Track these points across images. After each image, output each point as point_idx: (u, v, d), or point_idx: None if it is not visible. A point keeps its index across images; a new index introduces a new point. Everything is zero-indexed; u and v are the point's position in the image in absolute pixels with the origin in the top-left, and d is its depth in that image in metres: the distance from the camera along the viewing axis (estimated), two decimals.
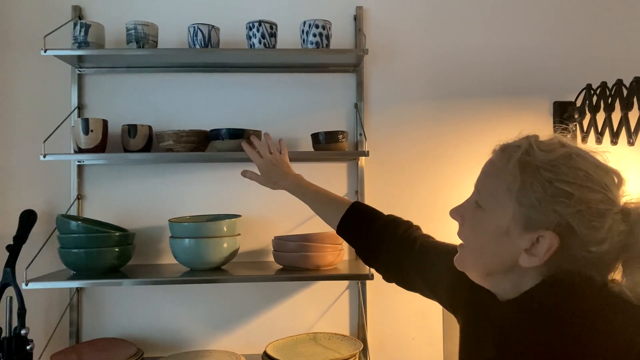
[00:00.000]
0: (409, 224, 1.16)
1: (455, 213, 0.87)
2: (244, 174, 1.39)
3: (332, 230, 1.59)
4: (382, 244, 1.12)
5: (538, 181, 0.75)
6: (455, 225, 1.65)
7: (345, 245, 1.68)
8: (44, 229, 1.64)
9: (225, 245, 1.48)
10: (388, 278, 1.15)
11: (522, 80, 1.75)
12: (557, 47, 1.76)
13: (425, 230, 1.70)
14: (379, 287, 1.69)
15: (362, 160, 1.70)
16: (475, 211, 0.83)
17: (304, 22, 1.54)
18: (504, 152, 0.82)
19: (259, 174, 1.38)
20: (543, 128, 1.69)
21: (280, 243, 1.50)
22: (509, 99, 1.75)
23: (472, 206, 0.84)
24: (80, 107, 1.67)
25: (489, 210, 0.81)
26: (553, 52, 1.76)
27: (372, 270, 1.39)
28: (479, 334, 0.86)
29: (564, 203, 0.73)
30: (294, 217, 1.70)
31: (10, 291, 1.47)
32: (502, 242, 0.78)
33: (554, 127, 1.74)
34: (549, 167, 0.75)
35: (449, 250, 0.96)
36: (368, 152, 1.49)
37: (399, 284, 1.13)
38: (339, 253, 1.49)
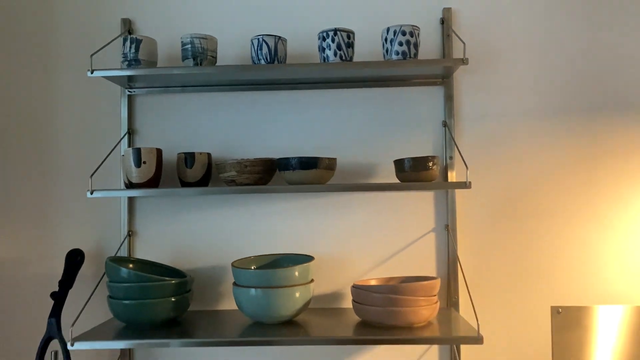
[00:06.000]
0: None
1: None
2: None
3: (422, 275, 1.34)
4: None
5: None
6: (565, 264, 1.33)
7: (440, 295, 1.41)
8: (93, 269, 1.47)
9: (297, 294, 1.25)
10: None
11: None
12: None
13: (528, 274, 1.44)
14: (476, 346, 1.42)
15: (454, 189, 1.43)
16: None
17: (388, 29, 1.29)
18: None
19: None
20: None
21: (362, 294, 1.25)
22: (633, 114, 1.44)
23: None
24: (130, 132, 1.48)
25: None
26: None
27: (464, 314, 1.13)
28: None
29: None
30: (373, 255, 1.45)
31: (55, 343, 1.31)
32: None
33: None
34: None
35: None
36: (470, 183, 1.22)
37: None
38: (435, 306, 1.23)
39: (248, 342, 1.17)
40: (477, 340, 1.12)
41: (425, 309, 1.21)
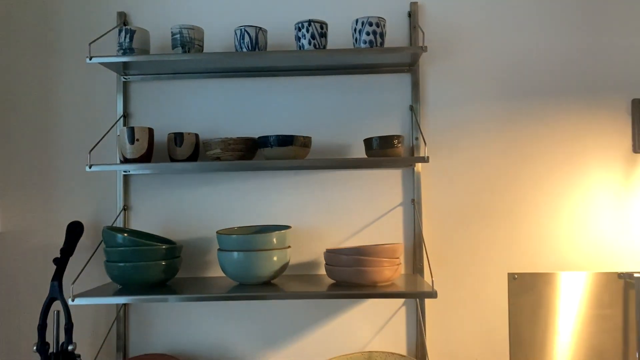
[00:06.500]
0: None
1: None
2: None
3: (389, 243, 1.50)
4: None
5: None
6: (520, 234, 1.50)
7: (403, 259, 1.57)
8: (91, 240, 1.61)
9: (275, 258, 1.40)
10: None
11: (596, 77, 1.59)
12: (634, 38, 1.59)
13: (487, 243, 1.59)
14: (438, 303, 1.57)
15: (419, 166, 1.58)
16: None
17: (357, 20, 1.44)
18: None
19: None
20: (621, 128, 1.56)
21: (333, 257, 1.40)
22: (582, 97, 1.59)
23: None
24: (125, 116, 1.63)
25: None
26: (631, 46, 1.59)
27: (436, 287, 1.28)
28: None
29: None
30: (346, 227, 1.60)
31: (57, 305, 1.45)
32: None
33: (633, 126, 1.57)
34: None
35: None
36: (428, 157, 1.37)
37: None
38: (397, 268, 1.38)
39: (238, 297, 1.32)
40: (432, 294, 1.27)
41: (387, 270, 1.35)
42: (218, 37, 1.63)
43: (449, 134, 1.61)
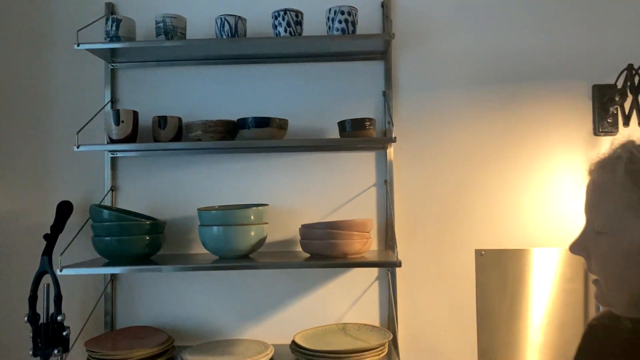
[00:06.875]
0: None
1: (578, 248, 0.81)
2: None
3: (359, 218, 1.58)
4: None
5: None
6: (487, 213, 1.60)
7: (373, 233, 1.65)
8: (80, 219, 1.69)
9: (252, 233, 1.48)
10: None
11: (558, 64, 1.69)
12: (594, 28, 1.68)
13: (455, 221, 1.67)
14: (409, 278, 1.65)
15: (391, 149, 1.67)
16: (598, 239, 0.78)
17: (329, 9, 1.53)
18: (605, 168, 0.78)
19: None
20: (583, 112, 1.65)
21: (307, 231, 1.49)
22: (546, 83, 1.69)
23: (593, 235, 0.79)
24: (113, 101, 1.71)
25: (615, 233, 0.76)
26: (590, 33, 1.68)
27: (401, 257, 1.37)
28: None
29: None
30: (322, 207, 1.68)
31: (47, 279, 1.53)
32: None
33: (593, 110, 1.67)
34: None
35: None
36: (395, 138, 1.46)
37: None
38: (367, 241, 1.47)
39: (220, 267, 1.44)
40: (396, 264, 1.36)
41: (357, 243, 1.44)
42: (200, 26, 1.71)
43: (419, 118, 1.70)
